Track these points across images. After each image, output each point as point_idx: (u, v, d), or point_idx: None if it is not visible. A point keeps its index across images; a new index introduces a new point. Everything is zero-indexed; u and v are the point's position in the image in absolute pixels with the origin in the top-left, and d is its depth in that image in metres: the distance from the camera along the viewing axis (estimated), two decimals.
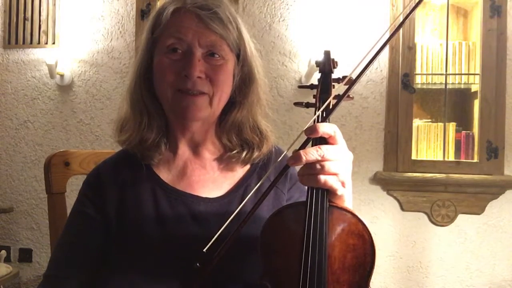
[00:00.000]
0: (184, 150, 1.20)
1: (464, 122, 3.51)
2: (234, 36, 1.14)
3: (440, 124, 3.43)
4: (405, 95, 3.31)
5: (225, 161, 1.21)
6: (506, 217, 3.27)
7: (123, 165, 1.20)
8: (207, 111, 1.12)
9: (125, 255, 1.09)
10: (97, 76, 3.63)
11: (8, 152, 3.75)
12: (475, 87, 3.42)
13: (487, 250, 3.29)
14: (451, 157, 3.39)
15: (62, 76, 3.60)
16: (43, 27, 3.66)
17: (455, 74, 3.45)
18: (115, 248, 1.11)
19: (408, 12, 0.90)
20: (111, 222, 1.13)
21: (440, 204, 3.30)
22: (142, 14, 3.54)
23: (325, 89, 1.01)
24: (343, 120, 3.38)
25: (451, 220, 3.30)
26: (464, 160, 3.34)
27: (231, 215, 0.90)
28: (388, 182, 3.34)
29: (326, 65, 1.04)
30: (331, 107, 0.95)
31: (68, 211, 1.24)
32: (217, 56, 1.11)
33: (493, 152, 3.24)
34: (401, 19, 0.92)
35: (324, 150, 0.87)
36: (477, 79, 3.34)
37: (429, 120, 3.53)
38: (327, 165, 0.87)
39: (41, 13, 3.67)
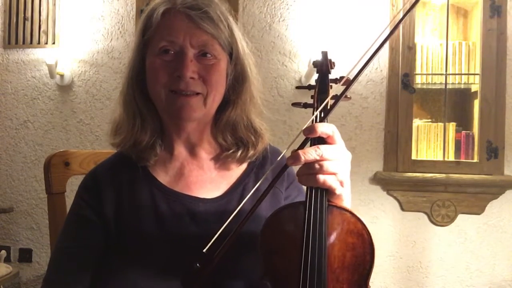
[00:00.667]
0: (180, 151, 1.19)
1: (464, 122, 3.51)
2: (226, 35, 1.13)
3: (440, 124, 3.43)
4: (405, 95, 3.31)
5: (221, 160, 1.21)
6: (506, 217, 3.27)
7: (120, 167, 1.19)
8: (201, 111, 1.12)
9: (124, 256, 1.09)
10: (97, 76, 3.63)
11: (8, 152, 3.75)
12: (475, 87, 3.42)
13: (487, 250, 3.29)
14: (451, 157, 3.39)
15: (62, 76, 3.60)
16: (43, 27, 3.66)
17: (455, 74, 3.45)
18: (114, 250, 1.11)
19: (403, 14, 0.89)
20: (109, 224, 1.13)
21: (440, 204, 3.30)
22: (142, 14, 3.54)
23: (323, 89, 1.01)
24: (343, 120, 3.38)
25: (451, 220, 3.30)
26: (464, 160, 3.34)
27: (230, 215, 0.90)
28: (388, 182, 3.34)
29: (324, 66, 1.04)
30: (329, 107, 0.96)
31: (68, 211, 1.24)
32: (210, 55, 1.11)
33: (493, 152, 3.24)
34: (401, 16, 0.91)
35: (322, 149, 0.87)
36: (477, 79, 3.34)
37: (429, 120, 3.53)
38: (326, 165, 0.87)
39: (41, 13, 3.67)
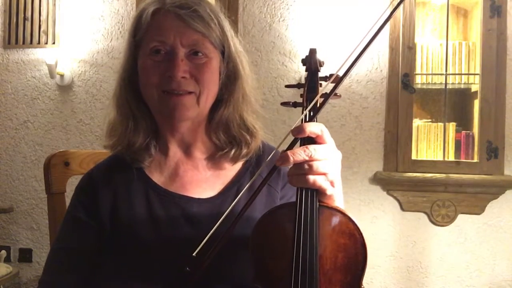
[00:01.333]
0: (175, 151, 1.19)
1: (464, 122, 3.50)
2: (217, 33, 1.12)
3: (440, 124, 3.42)
4: (405, 95, 3.31)
5: (216, 160, 1.20)
6: (506, 217, 3.27)
7: (116, 168, 1.19)
8: (195, 110, 1.11)
9: (119, 258, 1.09)
10: (97, 76, 3.64)
11: (8, 152, 3.76)
12: (475, 87, 3.41)
13: (487, 250, 3.29)
14: (451, 157, 3.39)
15: (62, 76, 3.61)
16: (43, 27, 3.67)
17: (455, 74, 3.45)
18: (109, 252, 1.11)
19: (391, 11, 0.89)
20: (104, 226, 1.13)
21: (440, 204, 3.30)
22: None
23: (312, 88, 0.99)
24: (343, 120, 3.38)
25: (451, 220, 3.30)
26: (464, 160, 3.34)
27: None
28: (388, 182, 3.34)
29: (313, 64, 1.02)
30: (318, 106, 0.95)
31: None
32: (201, 54, 1.10)
33: (493, 152, 3.24)
34: (389, 12, 0.91)
35: (311, 150, 0.86)
36: (477, 79, 3.34)
37: (429, 120, 3.53)
38: (315, 165, 0.86)
39: (41, 13, 3.68)
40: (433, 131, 3.42)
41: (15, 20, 3.70)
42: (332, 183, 0.90)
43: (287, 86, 1.08)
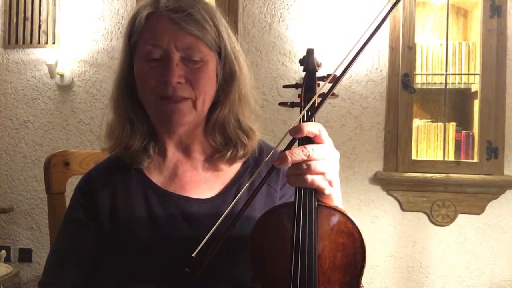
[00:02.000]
0: (173, 152, 1.19)
1: (464, 122, 3.50)
2: (212, 35, 1.11)
3: (440, 124, 3.42)
4: (405, 95, 3.31)
5: (215, 160, 1.19)
6: (506, 217, 3.26)
7: (115, 169, 1.19)
8: (191, 116, 1.11)
9: (118, 258, 1.09)
10: (97, 76, 3.64)
11: (8, 152, 3.76)
12: (475, 87, 3.41)
13: (487, 250, 3.28)
14: (451, 157, 3.39)
15: (62, 76, 3.61)
16: (43, 27, 3.67)
17: (455, 74, 3.45)
18: (108, 252, 1.11)
19: (386, 12, 0.89)
20: (104, 227, 1.13)
21: (440, 204, 3.30)
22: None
23: (309, 88, 0.99)
24: (343, 120, 3.38)
25: (451, 220, 3.30)
26: (464, 160, 3.34)
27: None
28: (388, 182, 3.34)
29: (310, 64, 1.02)
30: (316, 105, 0.95)
31: None
32: (196, 58, 1.09)
33: (493, 152, 3.24)
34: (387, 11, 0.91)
35: (309, 149, 0.86)
36: (477, 79, 3.34)
37: (429, 120, 3.53)
38: (313, 165, 0.86)
39: (41, 13, 3.68)
40: (433, 131, 3.42)
41: (15, 20, 3.70)
42: (330, 183, 0.90)
43: (285, 87, 1.08)
